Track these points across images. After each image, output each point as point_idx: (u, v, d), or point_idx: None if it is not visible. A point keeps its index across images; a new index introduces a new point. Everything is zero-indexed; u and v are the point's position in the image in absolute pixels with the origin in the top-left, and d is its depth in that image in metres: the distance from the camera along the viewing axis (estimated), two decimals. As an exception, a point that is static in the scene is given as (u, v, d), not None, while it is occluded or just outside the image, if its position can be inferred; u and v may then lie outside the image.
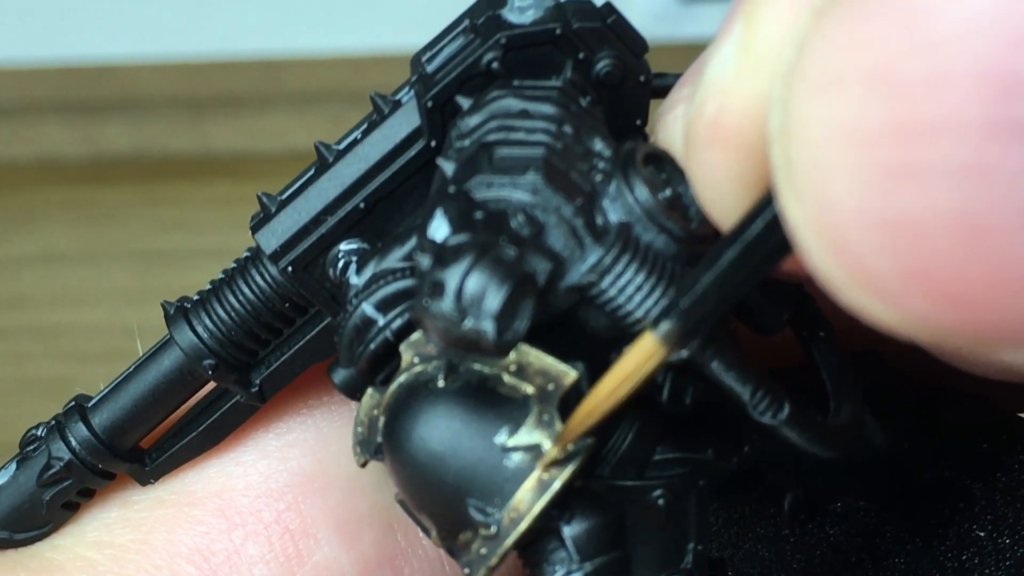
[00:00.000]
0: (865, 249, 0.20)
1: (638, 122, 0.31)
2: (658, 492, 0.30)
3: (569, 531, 0.29)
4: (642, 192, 0.28)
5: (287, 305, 0.32)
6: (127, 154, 1.13)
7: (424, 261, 0.27)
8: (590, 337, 0.29)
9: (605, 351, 0.29)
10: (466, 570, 0.28)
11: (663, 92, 0.30)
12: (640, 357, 0.26)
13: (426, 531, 0.29)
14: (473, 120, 0.29)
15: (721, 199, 0.25)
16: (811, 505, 0.34)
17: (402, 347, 0.29)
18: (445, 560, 0.34)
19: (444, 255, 0.27)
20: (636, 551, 0.30)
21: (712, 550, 0.31)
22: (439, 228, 0.27)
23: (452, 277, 0.27)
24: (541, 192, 0.28)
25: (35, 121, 1.13)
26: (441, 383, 0.28)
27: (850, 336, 0.31)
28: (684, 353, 0.27)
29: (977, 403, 0.35)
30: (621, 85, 0.30)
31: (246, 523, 0.33)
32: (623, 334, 0.29)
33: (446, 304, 0.27)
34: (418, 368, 0.29)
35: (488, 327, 0.27)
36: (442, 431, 0.28)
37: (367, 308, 0.30)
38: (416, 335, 0.29)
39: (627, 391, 0.27)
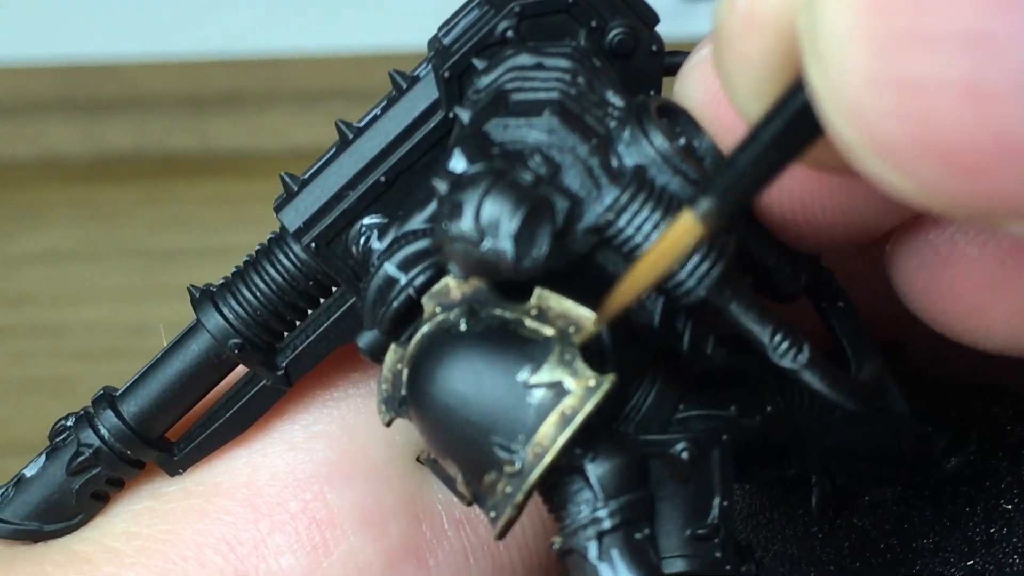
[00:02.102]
0: (878, 114, 0.21)
1: (651, 93, 0.31)
2: (682, 445, 0.30)
3: (593, 470, 0.29)
4: (658, 138, 0.28)
5: (311, 284, 0.32)
6: (129, 152, 1.13)
7: (442, 187, 0.28)
8: (608, 283, 0.29)
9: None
10: (492, 513, 0.28)
11: (674, 70, 0.30)
12: (677, 234, 0.26)
13: (451, 483, 0.29)
14: (488, 77, 0.29)
15: (756, 87, 0.25)
16: (839, 501, 0.34)
17: (424, 299, 0.29)
18: (470, 552, 0.34)
19: (462, 181, 0.27)
20: (661, 507, 0.30)
21: (738, 533, 0.31)
22: (457, 163, 0.28)
23: (470, 200, 0.27)
24: (557, 132, 0.28)
25: (38, 119, 1.13)
26: (463, 327, 0.29)
27: (872, 326, 0.32)
28: (701, 292, 0.28)
29: (998, 390, 0.35)
30: (633, 55, 0.30)
31: (273, 513, 0.33)
32: None
33: (465, 225, 0.27)
34: (440, 317, 0.29)
35: (507, 246, 0.27)
36: (465, 371, 0.28)
37: (389, 267, 0.30)
38: (438, 286, 0.29)
39: (663, 269, 0.27)
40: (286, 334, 0.33)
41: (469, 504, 0.29)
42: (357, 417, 0.34)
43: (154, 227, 1.10)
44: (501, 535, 0.28)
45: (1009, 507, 0.33)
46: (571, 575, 0.29)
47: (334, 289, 0.33)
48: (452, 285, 0.29)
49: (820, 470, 0.34)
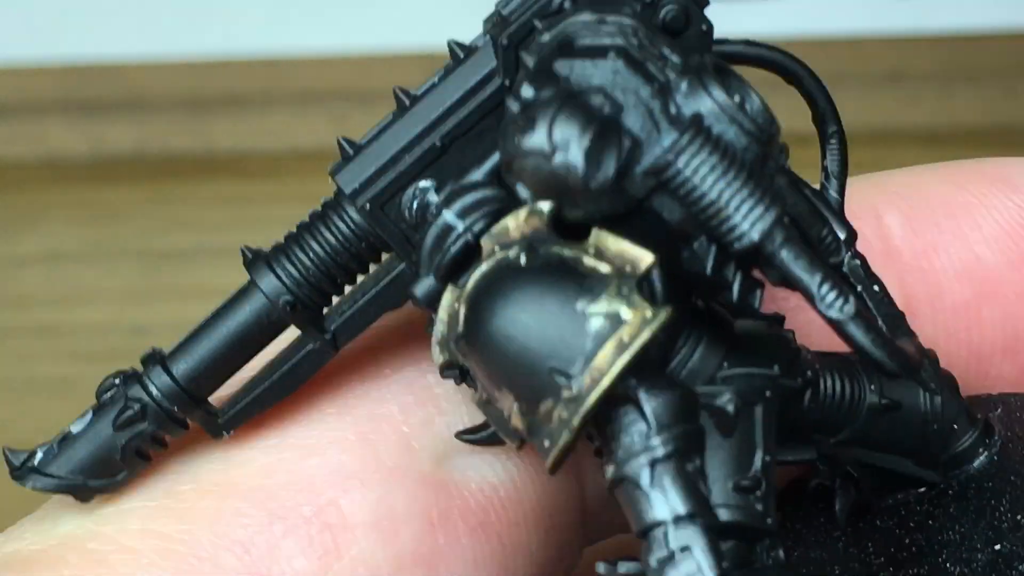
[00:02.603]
0: None
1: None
2: (727, 397, 0.30)
3: (647, 401, 0.29)
4: (716, 90, 0.29)
5: (363, 246, 0.33)
6: (131, 153, 1.13)
7: (514, 106, 0.29)
8: (663, 231, 0.30)
9: (676, 248, 0.30)
10: (546, 442, 0.29)
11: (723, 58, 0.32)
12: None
13: (503, 423, 0.30)
14: (551, 32, 0.30)
15: None
16: (863, 506, 0.34)
17: (483, 239, 0.30)
18: (481, 561, 0.35)
19: (535, 101, 0.29)
20: (705, 459, 0.30)
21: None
22: (527, 91, 0.29)
23: (544, 116, 0.29)
24: (620, 73, 0.29)
25: (38, 120, 1.13)
26: (523, 262, 0.29)
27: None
28: (755, 236, 0.29)
29: (1018, 396, 0.35)
30: (684, 33, 0.31)
31: (286, 517, 0.33)
32: (696, 227, 0.30)
33: (538, 138, 0.29)
34: (499, 255, 0.30)
35: (578, 161, 0.29)
36: (524, 301, 0.29)
37: (448, 215, 0.31)
38: (497, 227, 0.30)
39: None
40: (335, 299, 0.34)
41: (520, 445, 0.30)
42: (372, 423, 0.35)
43: (155, 228, 1.10)
44: (555, 465, 0.29)
45: None
46: (622, 505, 0.29)
47: (384, 256, 0.33)
48: (511, 225, 0.30)
49: (844, 473, 0.35)
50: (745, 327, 0.32)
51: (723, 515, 0.30)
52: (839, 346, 0.32)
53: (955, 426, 0.34)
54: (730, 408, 0.30)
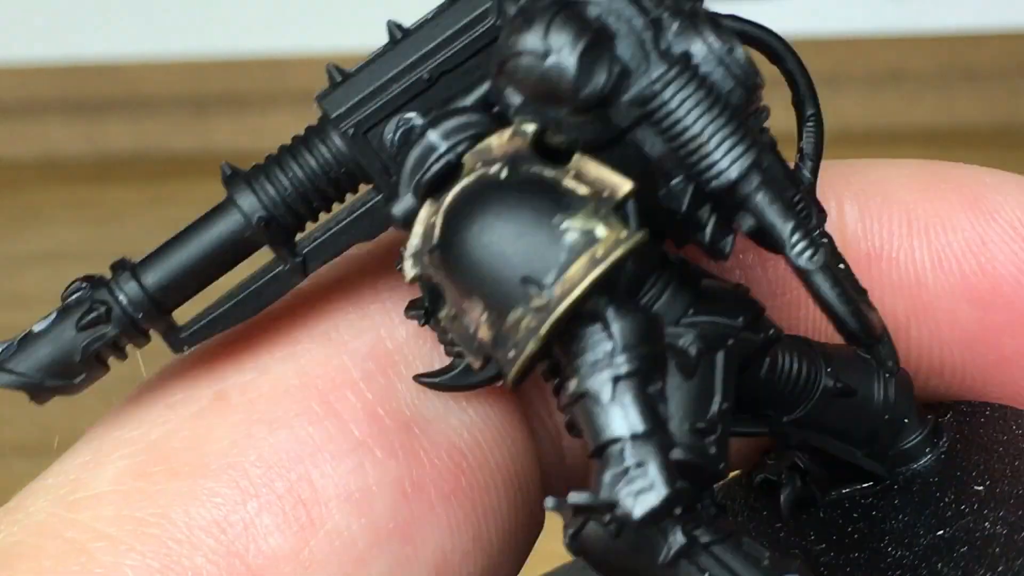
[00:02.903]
0: None
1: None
2: (690, 339, 0.31)
3: (614, 319, 0.30)
4: (708, 33, 0.30)
5: (343, 172, 0.33)
6: (130, 153, 1.13)
7: (511, 8, 0.30)
8: (642, 164, 0.30)
9: (653, 183, 0.30)
10: (511, 353, 0.29)
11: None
12: None
13: (469, 339, 0.30)
14: None
15: None
16: (806, 498, 0.35)
17: (466, 156, 0.31)
18: (454, 527, 0.35)
19: (532, 5, 0.29)
20: (665, 392, 0.31)
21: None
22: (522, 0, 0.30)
23: (541, 17, 0.29)
24: (616, 2, 0.30)
25: (38, 120, 1.14)
26: (503, 176, 0.30)
27: None
28: (733, 175, 0.30)
29: (971, 403, 0.35)
30: None
31: (259, 494, 0.34)
32: (675, 164, 0.30)
33: (533, 39, 0.29)
34: (480, 171, 0.30)
35: (571, 63, 0.29)
36: (501, 212, 0.30)
37: (432, 135, 0.31)
38: (481, 145, 0.31)
39: None
40: (308, 227, 0.34)
41: (482, 363, 0.30)
42: (336, 392, 0.35)
43: (155, 228, 1.10)
44: (517, 376, 0.29)
45: (980, 488, 0.33)
46: (580, 423, 0.30)
47: (361, 188, 0.33)
48: (494, 144, 0.30)
49: (790, 465, 0.35)
50: (711, 283, 0.32)
51: (676, 454, 0.30)
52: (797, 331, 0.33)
53: (906, 421, 0.34)
54: (692, 350, 0.31)
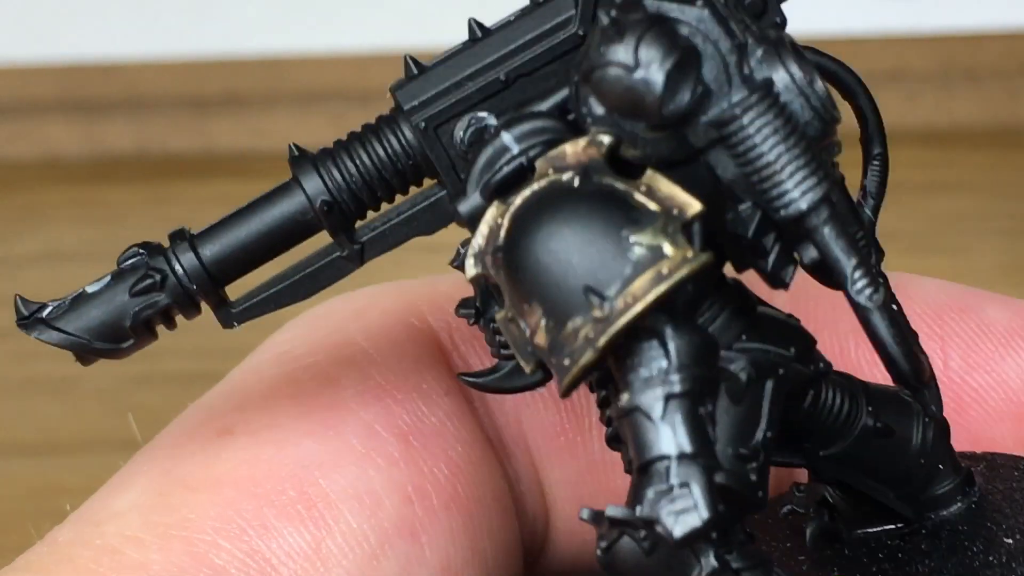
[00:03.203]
0: None
1: None
2: (742, 364, 0.31)
3: (672, 339, 0.29)
4: (791, 63, 0.30)
5: (410, 164, 0.33)
6: (130, 153, 1.13)
7: (604, 18, 0.30)
8: (713, 186, 0.30)
9: (721, 206, 0.31)
10: (566, 361, 0.29)
11: None
12: None
13: (523, 343, 0.30)
14: None
15: None
16: (833, 534, 0.35)
17: (539, 161, 0.31)
18: (455, 533, 0.36)
19: (624, 18, 0.29)
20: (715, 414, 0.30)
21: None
22: (615, 13, 0.30)
23: (632, 31, 0.29)
24: (705, 22, 0.30)
25: (38, 120, 1.13)
26: (575, 184, 0.30)
27: None
28: (803, 205, 0.30)
29: (1005, 456, 0.35)
30: (759, 18, 0.32)
31: (274, 501, 0.35)
32: (746, 189, 0.30)
33: (624, 51, 0.29)
34: (553, 177, 0.30)
35: (658, 81, 0.29)
36: (571, 219, 0.29)
37: (506, 137, 0.31)
38: (555, 151, 0.30)
39: None
40: (370, 214, 0.34)
41: (534, 368, 0.30)
42: (335, 415, 0.36)
43: (154, 227, 1.09)
44: (570, 385, 0.29)
45: (1009, 541, 0.33)
46: (627, 439, 0.30)
47: (425, 183, 0.34)
48: (569, 151, 0.30)
49: (819, 499, 0.35)
50: (766, 311, 0.32)
51: (719, 478, 0.30)
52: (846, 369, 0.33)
53: (940, 467, 0.34)
54: (743, 376, 0.31)
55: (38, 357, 1.04)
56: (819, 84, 0.30)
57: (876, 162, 0.34)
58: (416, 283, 0.39)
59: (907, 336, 0.30)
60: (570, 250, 0.29)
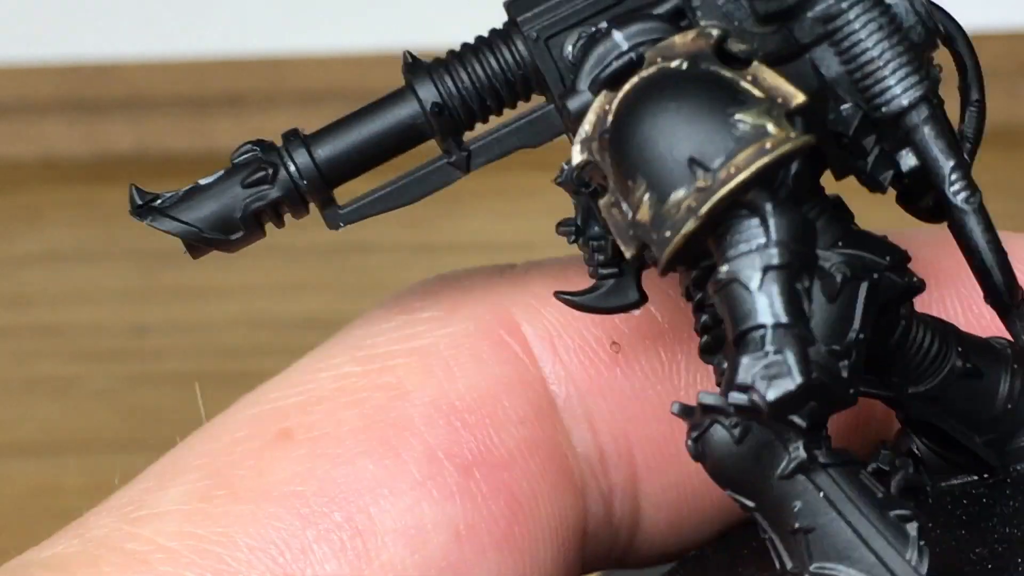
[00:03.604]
0: None
1: None
2: (839, 262, 0.31)
3: (772, 214, 0.30)
4: None
5: (520, 76, 0.34)
6: (130, 153, 1.13)
7: None
8: (816, 84, 0.31)
9: (824, 104, 0.31)
10: (668, 232, 0.30)
11: None
12: None
13: (625, 226, 0.30)
14: None
15: None
16: (918, 487, 0.35)
17: (648, 52, 0.31)
18: (506, 574, 0.35)
19: None
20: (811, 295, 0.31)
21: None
22: None
23: None
24: None
25: (38, 120, 1.13)
26: (684, 68, 0.30)
27: None
28: (904, 101, 0.30)
29: None
30: None
31: (318, 523, 0.34)
32: (848, 88, 0.31)
33: None
34: (661, 64, 0.31)
35: None
36: (678, 97, 0.30)
37: (617, 35, 0.32)
38: (664, 42, 0.31)
39: None
40: (477, 129, 0.35)
41: (636, 252, 0.30)
42: (400, 439, 0.35)
43: (155, 227, 1.10)
44: (671, 256, 0.29)
45: None
46: (723, 310, 0.30)
47: (536, 95, 0.34)
48: (678, 42, 0.31)
49: (905, 452, 0.35)
50: (862, 230, 0.33)
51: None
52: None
53: None
54: (837, 275, 0.31)
55: (38, 357, 1.04)
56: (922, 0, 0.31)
57: (974, 108, 0.35)
58: (505, 281, 0.37)
59: (1002, 248, 0.31)
60: (676, 124, 0.30)
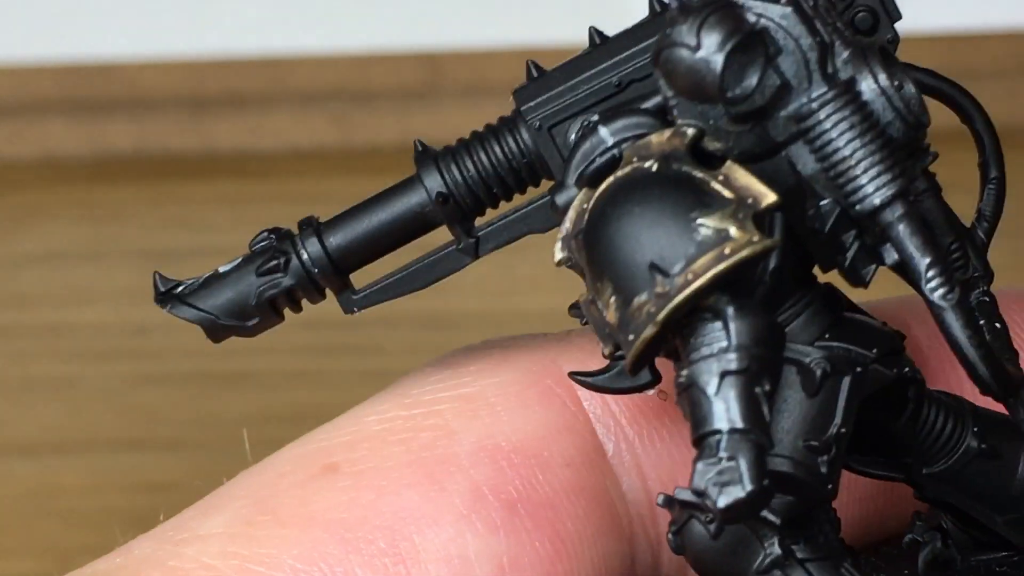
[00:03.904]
0: None
1: None
2: (818, 358, 0.31)
3: (734, 318, 0.30)
4: (877, 67, 0.31)
5: (525, 163, 0.35)
6: (130, 153, 1.13)
7: (674, 3, 0.31)
8: (792, 181, 0.31)
9: (802, 201, 0.31)
10: (631, 335, 0.30)
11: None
12: None
13: (601, 323, 0.31)
14: None
15: None
16: (947, 561, 0.35)
17: (627, 148, 0.32)
18: None
19: (693, 3, 0.30)
20: (782, 412, 0.31)
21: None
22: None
23: (697, 13, 0.30)
24: (787, 19, 0.31)
25: (38, 120, 1.13)
26: (654, 169, 0.31)
27: None
28: (876, 200, 0.30)
29: None
30: (869, 35, 0.33)
31: (362, 549, 0.35)
32: (825, 185, 0.31)
33: (686, 31, 0.30)
34: (636, 164, 0.31)
35: (718, 60, 0.30)
36: (644, 200, 0.30)
37: (603, 131, 0.32)
38: (641, 141, 0.32)
39: None
40: (487, 211, 0.36)
41: (612, 350, 0.31)
42: (445, 474, 0.35)
43: (154, 227, 1.10)
44: (635, 361, 0.30)
45: None
46: (686, 413, 0.30)
47: (542, 183, 0.35)
48: (654, 141, 0.31)
49: (936, 526, 0.35)
50: (855, 316, 0.33)
51: (784, 465, 0.30)
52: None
53: None
54: (818, 369, 0.31)
55: (38, 357, 1.04)
56: (909, 89, 0.31)
57: (992, 185, 0.35)
58: (552, 337, 0.38)
59: (986, 340, 0.30)
60: (641, 228, 0.30)
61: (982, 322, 0.33)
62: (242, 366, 1.00)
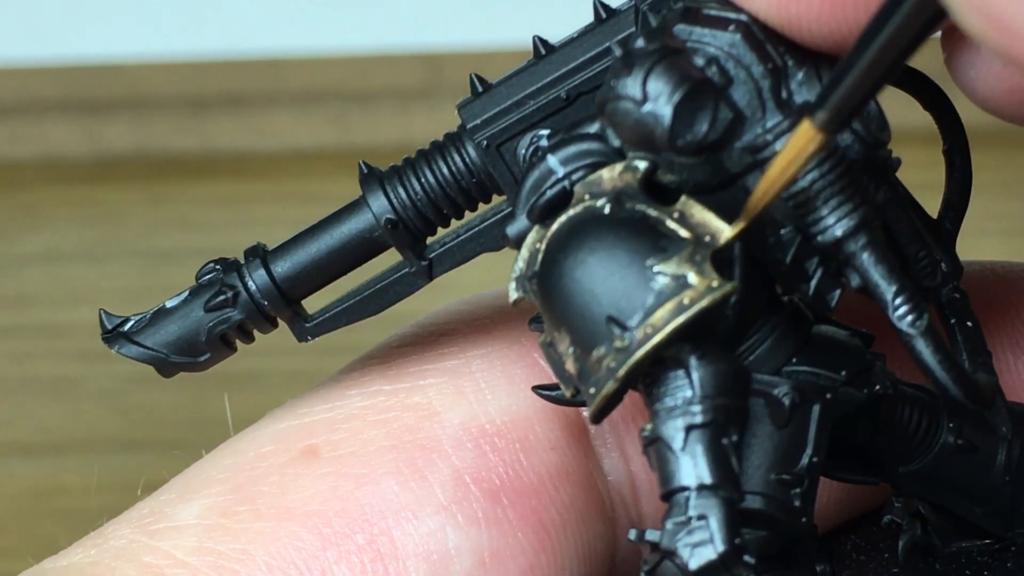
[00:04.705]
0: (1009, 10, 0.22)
1: None
2: (785, 389, 0.31)
3: (697, 368, 0.29)
4: None
5: (474, 182, 0.34)
6: (130, 153, 1.13)
7: (617, 51, 0.30)
8: None
9: (763, 230, 0.30)
10: (591, 390, 0.29)
11: None
12: (800, 142, 0.28)
13: (560, 368, 0.30)
14: (682, 2, 0.31)
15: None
16: (926, 547, 0.34)
17: (576, 186, 0.31)
18: None
19: (637, 50, 0.29)
20: (752, 446, 0.30)
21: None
22: (638, 42, 0.30)
23: (642, 64, 0.29)
24: (737, 47, 0.30)
25: (38, 120, 1.13)
26: (607, 211, 0.30)
27: None
28: (838, 232, 0.29)
29: None
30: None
31: (340, 544, 0.34)
32: (785, 214, 0.30)
33: (631, 85, 0.29)
34: (588, 202, 0.30)
35: (666, 113, 0.29)
36: (597, 249, 0.29)
37: (551, 160, 0.31)
38: (592, 176, 0.31)
39: (792, 174, 0.28)
40: (439, 231, 0.34)
41: (573, 393, 0.30)
42: (427, 461, 0.35)
43: (154, 227, 1.10)
44: (596, 415, 0.29)
45: None
46: (652, 467, 0.30)
47: (494, 199, 0.34)
48: (605, 177, 0.30)
49: (914, 512, 0.34)
50: (823, 331, 0.32)
51: (756, 503, 0.30)
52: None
53: None
54: (786, 400, 0.31)
55: (38, 357, 1.04)
56: (870, 105, 0.30)
57: (958, 175, 0.34)
58: None
59: (956, 361, 0.30)
60: (595, 280, 0.29)
61: (953, 321, 0.33)
62: (242, 366, 1.00)
